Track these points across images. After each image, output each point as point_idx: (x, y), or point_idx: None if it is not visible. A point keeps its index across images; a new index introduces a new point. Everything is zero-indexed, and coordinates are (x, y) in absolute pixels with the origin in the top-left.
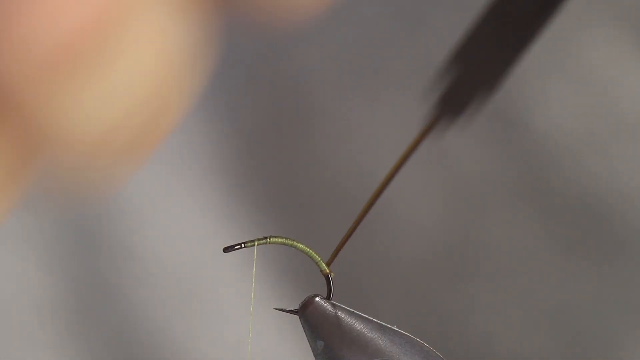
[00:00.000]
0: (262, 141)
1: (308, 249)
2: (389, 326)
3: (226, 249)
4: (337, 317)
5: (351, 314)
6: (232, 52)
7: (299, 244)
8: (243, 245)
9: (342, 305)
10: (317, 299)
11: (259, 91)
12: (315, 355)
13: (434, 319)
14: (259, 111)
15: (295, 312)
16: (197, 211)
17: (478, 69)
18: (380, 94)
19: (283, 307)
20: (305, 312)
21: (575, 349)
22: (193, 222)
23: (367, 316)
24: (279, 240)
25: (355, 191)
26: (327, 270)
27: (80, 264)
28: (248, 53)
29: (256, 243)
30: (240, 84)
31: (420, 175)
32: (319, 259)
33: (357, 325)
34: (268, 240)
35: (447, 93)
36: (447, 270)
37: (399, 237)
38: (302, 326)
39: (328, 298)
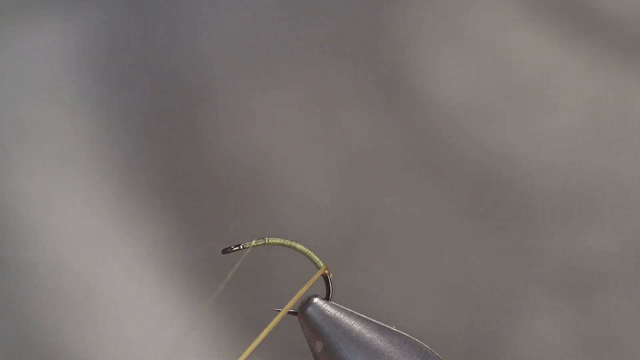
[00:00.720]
0: (153, 130)
1: (306, 250)
2: (388, 327)
3: (224, 251)
4: (336, 317)
5: (350, 314)
6: (116, 42)
7: (297, 245)
8: (241, 246)
9: (341, 306)
10: (315, 299)
11: (145, 79)
12: (314, 356)
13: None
14: (148, 100)
15: (294, 313)
16: (88, 211)
17: None
18: (274, 73)
19: (282, 308)
20: (304, 313)
21: (475, 317)
22: (85, 222)
23: (366, 317)
24: (277, 241)
25: (251, 172)
26: (327, 271)
27: None
28: (129, 41)
29: (254, 244)
30: (124, 76)
31: (312, 150)
32: (318, 259)
33: (356, 326)
34: (266, 241)
35: None
36: (344, 244)
37: (294, 213)
38: (301, 327)
39: (327, 298)
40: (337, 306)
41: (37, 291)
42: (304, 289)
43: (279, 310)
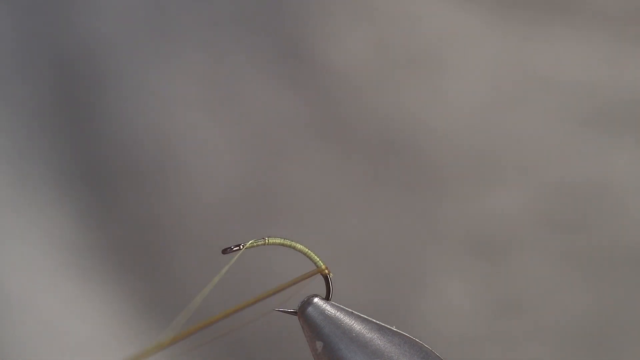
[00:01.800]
0: (51, 118)
1: (307, 250)
2: (388, 326)
3: (224, 251)
4: (336, 317)
5: (350, 314)
6: (7, 29)
7: (297, 245)
8: (242, 246)
9: (341, 306)
10: (316, 299)
11: (40, 67)
12: (314, 356)
13: (239, 266)
14: (44, 88)
15: (294, 313)
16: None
17: None
18: (171, 51)
19: (282, 308)
20: (304, 313)
21: (383, 285)
22: None
23: (366, 316)
24: (277, 241)
25: (153, 153)
26: (327, 271)
27: None
28: (25, 28)
29: (253, 244)
30: (20, 62)
31: (213, 122)
32: (318, 259)
33: (356, 326)
34: (266, 241)
35: None
36: (250, 217)
37: (199, 188)
38: (301, 327)
39: (327, 298)
40: (337, 306)
41: None
42: (299, 279)
43: (279, 310)
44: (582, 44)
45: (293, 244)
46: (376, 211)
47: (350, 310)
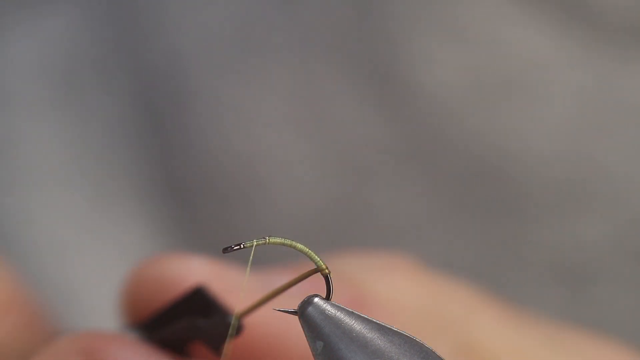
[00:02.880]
0: (135, 132)
1: (307, 249)
2: (389, 326)
3: (225, 250)
4: (336, 317)
5: (350, 314)
6: (93, 46)
7: (298, 244)
8: (242, 245)
9: (341, 306)
10: (316, 299)
11: (126, 82)
12: (314, 356)
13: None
14: (129, 103)
15: (294, 313)
16: (66, 216)
17: None
18: (259, 70)
19: (282, 308)
20: (305, 313)
21: None
22: (60, 229)
23: (366, 316)
24: (278, 240)
25: (237, 170)
26: (327, 271)
27: None
28: (110, 44)
29: (255, 243)
30: (105, 77)
31: (299, 141)
32: (318, 259)
33: (357, 326)
34: (267, 240)
35: None
36: (336, 237)
37: (283, 205)
38: (302, 326)
39: (327, 298)
40: (338, 306)
41: None
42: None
43: (279, 310)
44: None
45: (294, 243)
46: (460, 236)
47: (350, 310)
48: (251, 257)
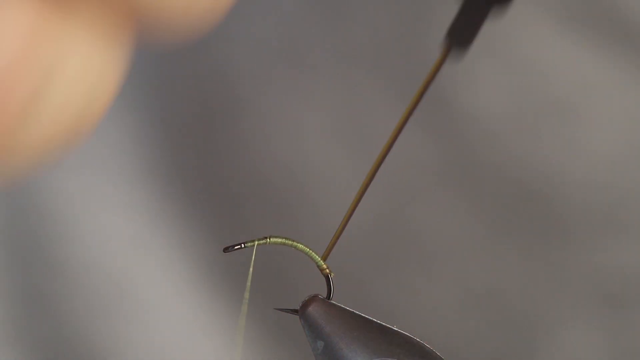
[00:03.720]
0: (187, 139)
1: (308, 249)
2: (389, 326)
3: (226, 249)
4: (337, 317)
5: (351, 314)
6: (150, 53)
7: (299, 244)
8: (243, 245)
9: (342, 305)
10: (317, 299)
11: (180, 90)
12: (315, 356)
13: (366, 308)
14: (182, 111)
15: (295, 312)
16: (127, 213)
17: None
18: (305, 82)
19: (283, 307)
20: (306, 312)
21: (508, 332)
22: (123, 225)
23: (367, 316)
24: (279, 240)
25: (283, 185)
26: (327, 270)
27: (8, 272)
28: (167, 53)
29: (256, 243)
30: (162, 85)
31: (344, 156)
32: (319, 258)
33: (357, 326)
34: (268, 240)
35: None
36: (378, 258)
37: (326, 220)
38: (302, 326)
39: (328, 298)
40: (338, 306)
41: (73, 290)
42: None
43: (280, 310)
44: None
45: (295, 243)
46: (502, 258)
47: (351, 309)
48: (253, 257)
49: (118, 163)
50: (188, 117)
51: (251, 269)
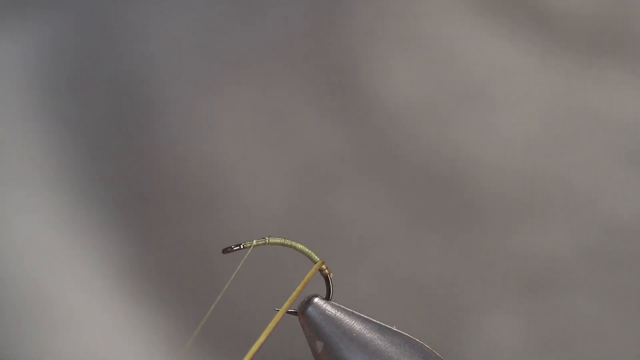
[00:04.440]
0: (102, 142)
1: (307, 250)
2: (389, 327)
3: (224, 251)
4: (336, 317)
5: (350, 314)
6: (62, 54)
7: (297, 245)
8: (242, 246)
9: (341, 306)
10: (316, 299)
11: (93, 93)
12: (314, 356)
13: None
14: (100, 110)
15: (294, 313)
16: (41, 222)
17: None
18: (225, 80)
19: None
20: (305, 313)
21: (431, 320)
22: (37, 234)
23: (366, 316)
24: (278, 240)
25: (204, 180)
26: (327, 271)
27: None
28: (79, 54)
29: (255, 244)
30: (74, 87)
31: (263, 151)
32: (318, 259)
33: (357, 326)
34: (267, 240)
35: None
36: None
37: (249, 216)
38: (302, 327)
39: (327, 298)
40: (338, 306)
41: None
42: (300, 287)
43: (279, 310)
44: (635, 83)
45: (294, 243)
46: (422, 246)
47: (350, 310)
48: (245, 258)
49: (30, 169)
50: (102, 120)
51: (237, 269)
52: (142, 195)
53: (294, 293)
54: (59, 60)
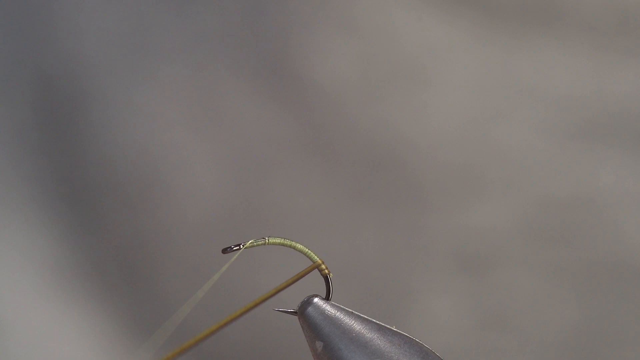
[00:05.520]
0: (32, 139)
1: (307, 250)
2: (388, 326)
3: (224, 251)
4: (336, 317)
5: (350, 314)
6: None
7: (297, 245)
8: (241, 246)
9: (341, 306)
10: (316, 299)
11: (24, 86)
12: (314, 356)
13: (225, 284)
14: (26, 107)
15: (294, 313)
16: None
17: None
18: (154, 69)
19: (282, 308)
20: (304, 313)
21: (375, 302)
22: None
23: (366, 316)
24: (277, 240)
25: (140, 170)
26: (327, 271)
27: None
28: (4, 50)
29: (254, 244)
30: (2, 81)
31: (197, 139)
32: (317, 259)
33: (356, 326)
34: (266, 240)
35: None
36: (235, 233)
37: (184, 205)
38: (301, 327)
39: (327, 298)
40: (337, 306)
41: None
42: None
43: (279, 310)
44: (567, 57)
45: (293, 243)
46: (361, 227)
47: (350, 310)
48: (233, 258)
49: None
50: (33, 116)
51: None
52: (73, 188)
53: (283, 284)
54: None
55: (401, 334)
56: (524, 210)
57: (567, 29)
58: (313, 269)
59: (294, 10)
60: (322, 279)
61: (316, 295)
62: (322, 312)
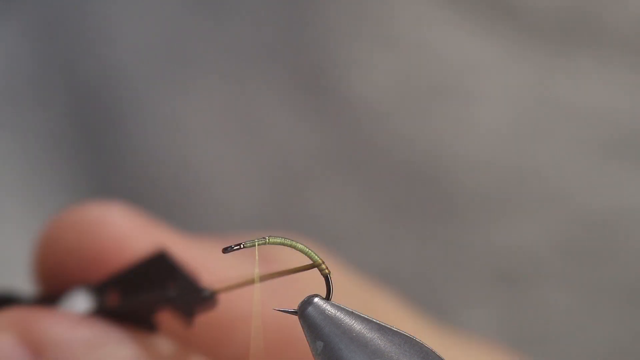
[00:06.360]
0: (72, 146)
1: (307, 249)
2: (389, 326)
3: (225, 250)
4: (336, 317)
5: (350, 314)
6: (32, 60)
7: (298, 244)
8: (242, 245)
9: (341, 305)
10: (316, 299)
11: (65, 94)
12: (314, 356)
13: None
14: (68, 114)
15: (294, 313)
16: (21, 233)
17: None
18: (193, 80)
19: (282, 308)
20: (305, 313)
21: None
22: (14, 246)
23: (366, 316)
24: (278, 240)
25: (179, 182)
26: (327, 271)
27: None
28: (46, 59)
29: (256, 243)
30: (44, 90)
31: (235, 151)
32: (318, 258)
33: (357, 326)
34: (267, 240)
35: None
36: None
37: (221, 215)
38: (302, 326)
39: (327, 298)
40: (337, 306)
41: None
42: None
43: (279, 310)
44: (604, 74)
45: (294, 243)
46: (400, 240)
47: (350, 309)
48: (257, 257)
49: (8, 176)
50: (69, 126)
51: (256, 270)
52: (109, 196)
53: (277, 272)
54: (21, 67)
55: (402, 333)
56: (562, 227)
57: (605, 47)
58: (312, 267)
59: (333, 24)
60: (328, 280)
61: (316, 295)
62: (322, 312)
